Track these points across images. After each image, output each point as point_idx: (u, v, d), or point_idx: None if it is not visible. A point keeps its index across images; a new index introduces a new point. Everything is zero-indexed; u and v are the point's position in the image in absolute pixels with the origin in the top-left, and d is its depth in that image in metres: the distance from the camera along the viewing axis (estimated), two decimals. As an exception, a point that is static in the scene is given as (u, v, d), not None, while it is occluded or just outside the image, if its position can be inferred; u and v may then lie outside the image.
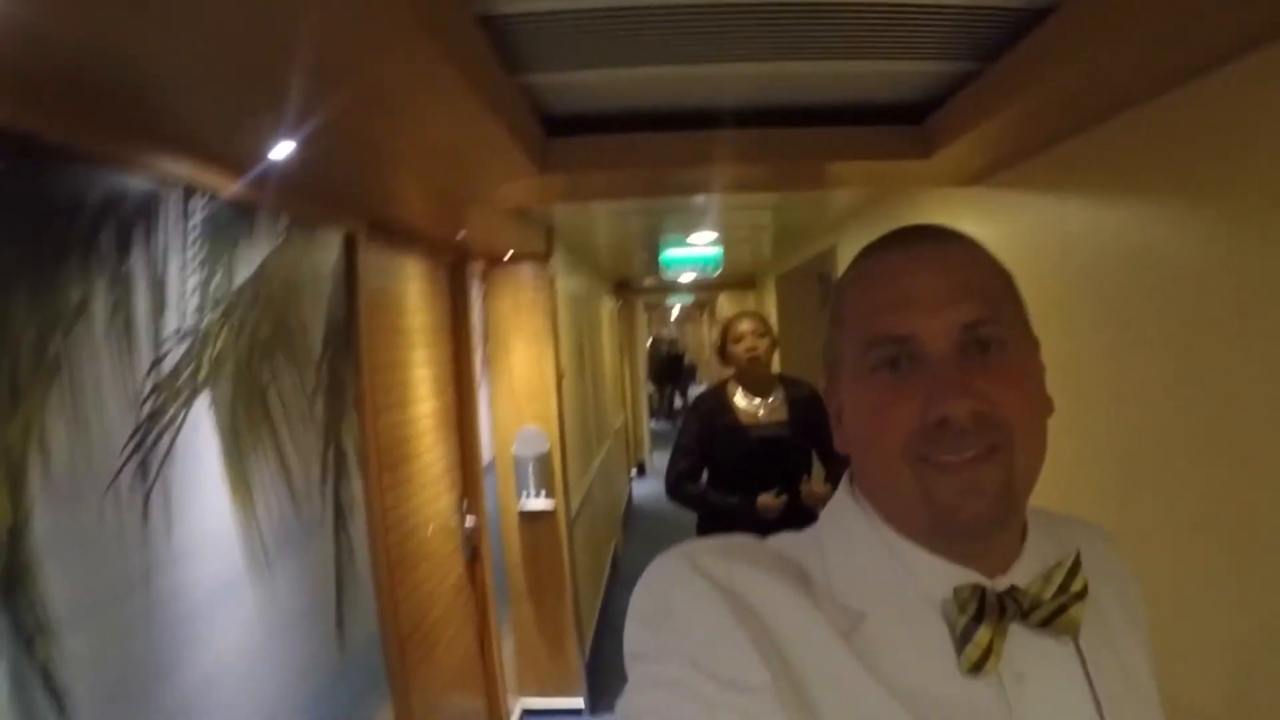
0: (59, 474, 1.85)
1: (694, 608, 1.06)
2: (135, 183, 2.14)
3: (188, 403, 2.33)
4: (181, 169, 2.27)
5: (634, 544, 11.27)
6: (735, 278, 11.30)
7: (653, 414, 21.44)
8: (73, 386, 1.90)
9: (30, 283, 1.80)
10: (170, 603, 2.22)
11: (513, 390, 6.02)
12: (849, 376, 1.15)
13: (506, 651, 5.99)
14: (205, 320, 2.42)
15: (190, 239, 2.35)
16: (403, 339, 4.26)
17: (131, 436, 2.09)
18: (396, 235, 4.03)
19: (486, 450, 5.74)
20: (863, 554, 1.13)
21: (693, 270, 7.62)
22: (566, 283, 6.93)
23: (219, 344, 2.49)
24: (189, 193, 2.35)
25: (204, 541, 2.38)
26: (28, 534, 1.76)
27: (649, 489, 14.17)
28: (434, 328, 4.83)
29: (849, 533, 1.16)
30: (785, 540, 1.19)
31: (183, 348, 2.31)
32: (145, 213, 2.18)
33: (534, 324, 5.98)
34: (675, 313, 24.76)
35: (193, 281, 2.36)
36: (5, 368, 1.72)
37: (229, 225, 2.56)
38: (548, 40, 2.31)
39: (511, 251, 5.59)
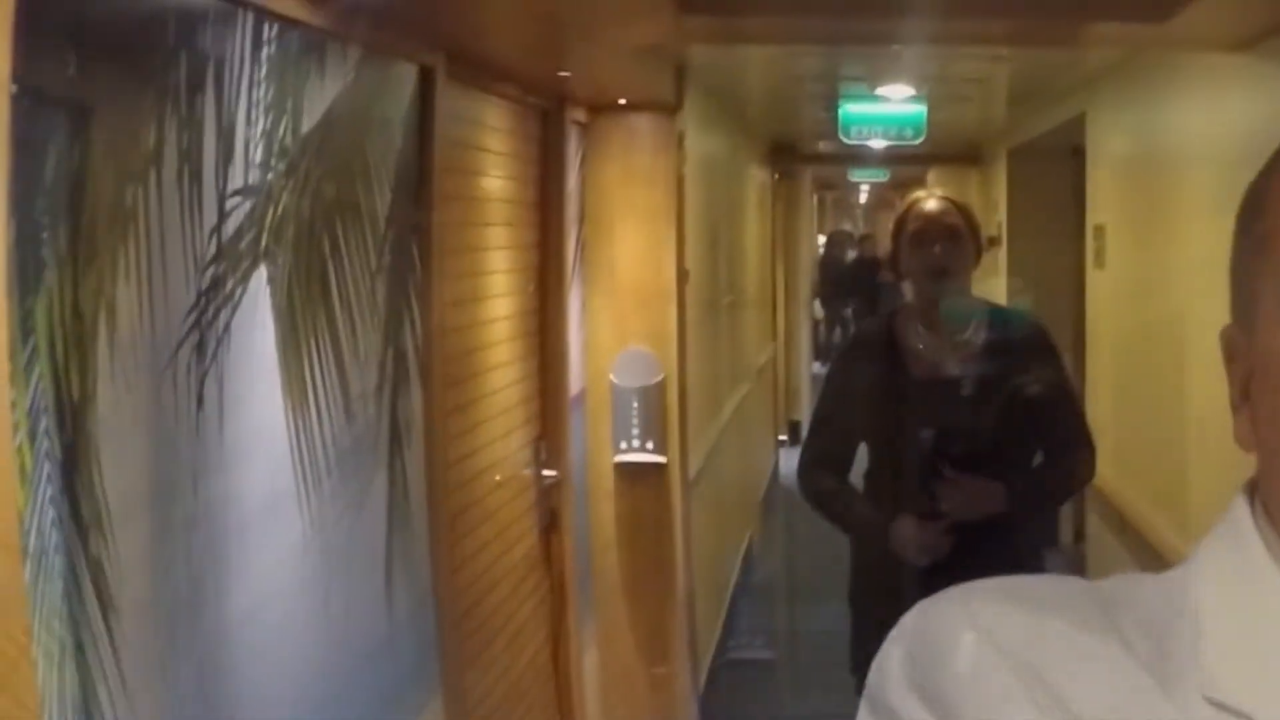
0: (123, 345, 2.58)
1: (979, 699, 1.08)
2: (208, 5, 2.86)
3: (246, 275, 3.06)
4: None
5: (778, 539, 11.95)
6: (950, 147, 11.84)
7: (819, 351, 21.90)
8: (142, 244, 2.63)
9: (111, 121, 2.52)
10: (218, 511, 2.97)
11: (615, 294, 6.71)
12: (1270, 326, 1.11)
13: (588, 666, 6.73)
14: (269, 176, 3.15)
15: (259, 77, 3.07)
16: (477, 212, 4.98)
17: (192, 308, 2.83)
18: (479, 71, 4.73)
19: (575, 377, 6.46)
20: (1264, 624, 1.09)
21: (884, 134, 8.24)
22: (700, 143, 7.59)
23: (281, 206, 3.22)
24: (260, 20, 3.07)
25: (254, 444, 3.13)
26: (92, 410, 2.50)
27: (804, 462, 14.85)
28: (517, 199, 5.55)
29: (1245, 584, 1.12)
30: (1134, 588, 1.18)
31: (241, 208, 3.04)
32: (217, 43, 2.90)
33: (651, 200, 6.65)
34: (862, 196, 25.11)
35: (259, 128, 3.09)
36: (86, 219, 2.45)
37: (297, 61, 3.28)
38: None
39: (626, 99, 6.25)
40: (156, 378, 2.71)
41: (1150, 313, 6.44)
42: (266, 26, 3.12)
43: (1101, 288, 7.86)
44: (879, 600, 4.41)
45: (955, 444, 4.36)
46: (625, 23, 3.87)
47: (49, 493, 2.38)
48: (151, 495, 2.71)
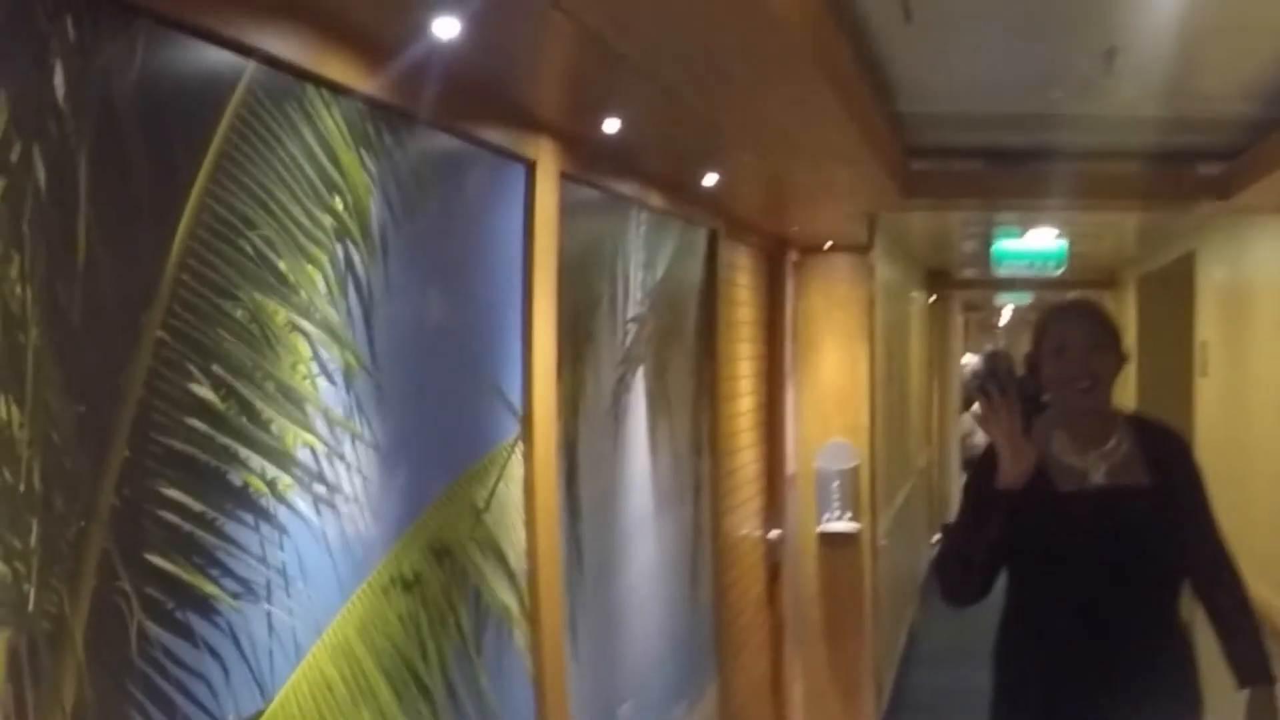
0: (588, 409, 4.36)
1: None
2: (616, 202, 4.67)
3: (634, 370, 4.85)
4: (643, 193, 4.80)
5: (934, 623, 13.50)
6: (1087, 274, 13.41)
7: (968, 463, 23.15)
8: (595, 351, 4.42)
9: (583, 279, 4.32)
10: (621, 519, 4.73)
11: (820, 397, 8.44)
12: None
13: (796, 696, 8.42)
14: (643, 309, 4.93)
15: (639, 245, 4.87)
16: (734, 331, 6.75)
17: (612, 390, 4.61)
18: (740, 229, 6.53)
19: (789, 461, 8.20)
20: None
21: (1030, 267, 9.90)
22: (881, 274, 9.31)
23: (648, 328, 5.00)
24: (641, 209, 4.87)
25: (636, 481, 4.90)
26: (578, 445, 4.26)
27: (956, 557, 16.34)
28: (754, 321, 7.33)
29: None
30: None
31: (632, 329, 4.82)
32: (622, 226, 4.70)
33: (848, 322, 8.38)
34: (1005, 317, 26.47)
35: (639, 278, 4.88)
36: (571, 337, 4.23)
37: (657, 232, 5.08)
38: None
39: (831, 242, 8.02)
40: (599, 430, 4.49)
41: (1243, 412, 8.09)
42: (644, 214, 4.92)
43: (1205, 393, 9.48)
44: (1021, 664, 4.16)
45: (1107, 556, 3.97)
46: (861, 201, 5.69)
47: (562, 494, 4.14)
48: (597, 502, 4.47)
